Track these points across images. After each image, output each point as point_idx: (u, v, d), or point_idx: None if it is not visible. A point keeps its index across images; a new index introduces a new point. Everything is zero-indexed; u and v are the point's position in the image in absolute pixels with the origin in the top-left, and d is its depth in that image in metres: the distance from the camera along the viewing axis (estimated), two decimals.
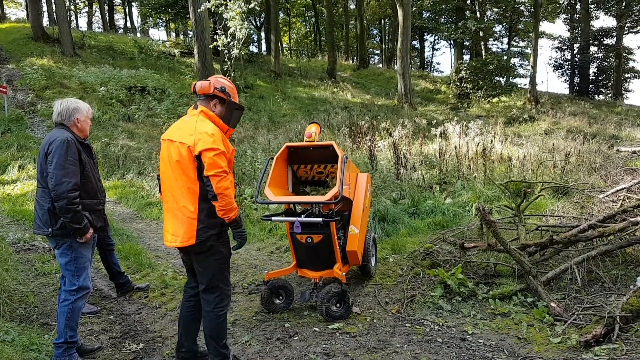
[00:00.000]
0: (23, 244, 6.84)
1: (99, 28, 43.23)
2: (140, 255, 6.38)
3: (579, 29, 35.32)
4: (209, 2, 12.45)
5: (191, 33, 21.49)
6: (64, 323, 3.62)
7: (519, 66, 36.69)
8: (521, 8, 32.29)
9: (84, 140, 3.88)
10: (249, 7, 11.90)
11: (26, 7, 37.43)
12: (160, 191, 3.49)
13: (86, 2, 46.71)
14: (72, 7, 42.57)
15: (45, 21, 31.01)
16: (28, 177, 10.94)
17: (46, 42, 23.88)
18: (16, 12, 48.34)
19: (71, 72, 19.92)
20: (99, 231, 3.99)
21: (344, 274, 4.55)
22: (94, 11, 47.43)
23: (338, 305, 4.46)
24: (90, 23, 47.73)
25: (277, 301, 4.71)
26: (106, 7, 41.62)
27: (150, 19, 46.54)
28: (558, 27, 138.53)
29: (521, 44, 41.44)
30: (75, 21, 46.84)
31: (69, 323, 3.63)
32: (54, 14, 28.36)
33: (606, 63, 35.22)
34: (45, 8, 33.44)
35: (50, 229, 3.67)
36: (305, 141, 4.91)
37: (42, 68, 19.47)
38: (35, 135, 14.43)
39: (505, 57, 27.90)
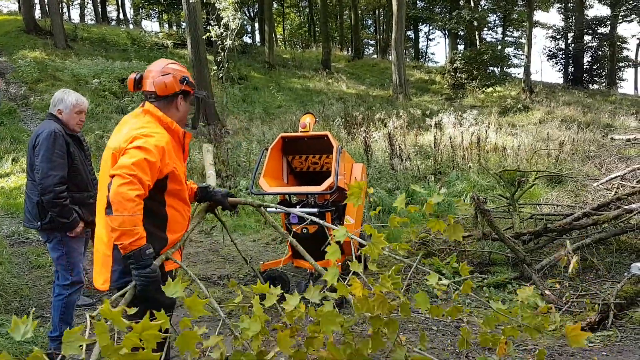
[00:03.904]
0: (17, 236, 6.80)
1: (91, 20, 42.83)
2: None
3: (573, 18, 35.33)
4: None
5: (184, 24, 21.32)
6: (58, 317, 3.60)
7: (513, 56, 36.56)
8: None
9: (73, 132, 3.67)
10: None
11: (18, 0, 37.06)
12: None
13: None
14: None
15: (38, 13, 30.67)
16: (21, 170, 10.84)
17: (38, 35, 23.58)
18: (8, 5, 47.68)
19: (64, 65, 19.72)
20: (90, 225, 3.62)
21: (339, 264, 4.56)
22: (86, 3, 46.99)
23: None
24: (82, 15, 47.26)
25: None
26: None
27: (143, 10, 46.11)
28: (552, 16, 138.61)
29: (515, 33, 41.30)
30: (67, 13, 46.39)
31: (64, 317, 3.61)
32: (46, 6, 28.07)
33: (600, 52, 35.27)
34: (37, 0, 33.12)
35: (39, 223, 3.55)
36: (300, 132, 4.89)
37: (35, 61, 19.25)
38: (29, 128, 14.30)
39: (499, 47, 27.86)
